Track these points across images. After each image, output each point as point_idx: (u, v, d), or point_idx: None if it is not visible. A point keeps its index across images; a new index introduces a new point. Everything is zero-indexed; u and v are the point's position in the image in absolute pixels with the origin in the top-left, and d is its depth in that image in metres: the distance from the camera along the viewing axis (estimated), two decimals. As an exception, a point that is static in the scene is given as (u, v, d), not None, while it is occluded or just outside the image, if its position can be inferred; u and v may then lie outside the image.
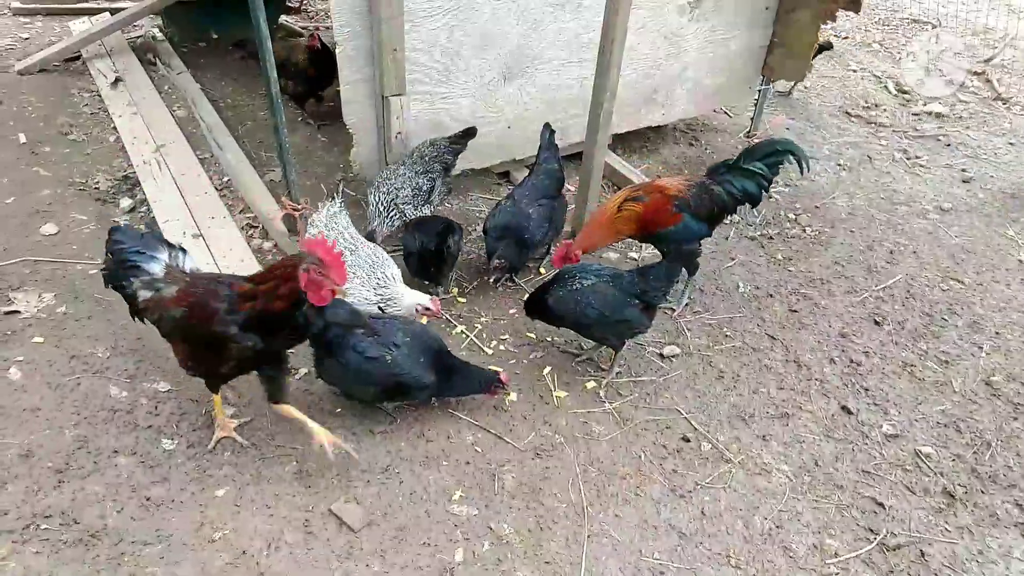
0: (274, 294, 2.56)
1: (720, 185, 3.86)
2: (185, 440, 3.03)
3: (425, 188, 4.13)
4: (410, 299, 3.48)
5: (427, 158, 4.18)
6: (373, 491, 2.91)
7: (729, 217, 4.05)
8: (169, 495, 2.81)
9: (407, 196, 4.07)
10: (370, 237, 3.96)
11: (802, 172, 3.98)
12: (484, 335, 3.79)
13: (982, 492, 3.18)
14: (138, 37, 6.54)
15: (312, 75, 5.39)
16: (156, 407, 3.16)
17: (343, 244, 3.55)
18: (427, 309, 3.48)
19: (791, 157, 3.91)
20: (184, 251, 2.97)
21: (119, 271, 2.85)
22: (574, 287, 3.39)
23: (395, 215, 4.06)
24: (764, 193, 3.92)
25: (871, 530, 2.99)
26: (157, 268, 2.82)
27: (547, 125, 4.27)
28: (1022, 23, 8.69)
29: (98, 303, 3.67)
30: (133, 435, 3.02)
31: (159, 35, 6.62)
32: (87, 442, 2.95)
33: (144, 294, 2.79)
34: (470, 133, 4.30)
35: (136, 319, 2.92)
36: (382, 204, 4.05)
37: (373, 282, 3.47)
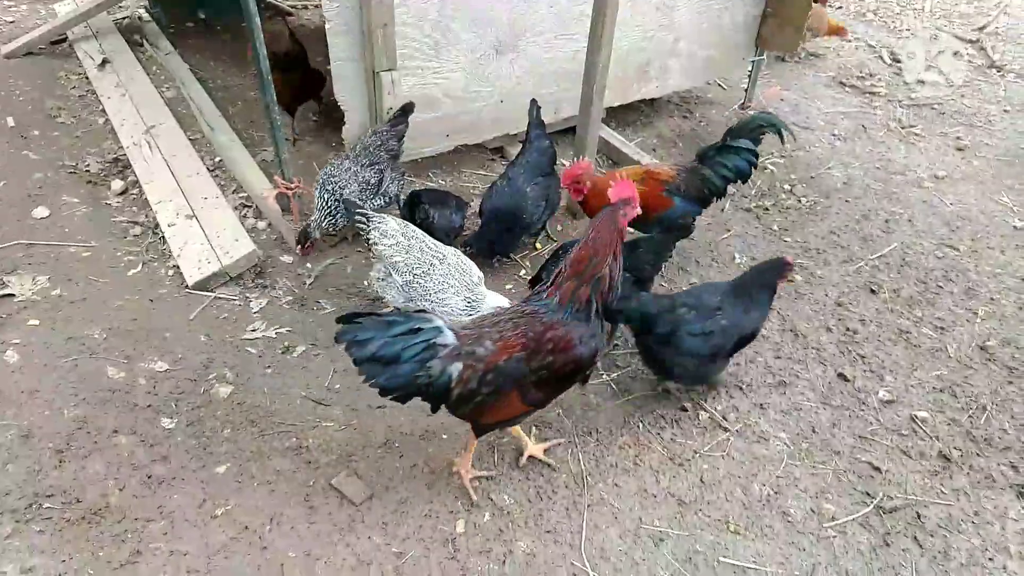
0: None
1: (711, 168, 3.92)
2: (184, 419, 3.03)
3: (373, 181, 3.97)
4: (492, 300, 3.39)
5: (371, 148, 3.99)
6: (374, 465, 2.93)
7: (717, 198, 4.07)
8: (170, 473, 2.82)
9: (352, 193, 3.87)
10: (305, 235, 3.87)
11: (782, 142, 4.13)
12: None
13: (977, 455, 3.21)
14: (124, 18, 6.45)
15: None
16: (154, 387, 3.16)
17: (428, 253, 3.37)
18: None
19: (775, 130, 3.98)
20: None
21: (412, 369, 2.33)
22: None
23: (339, 214, 3.85)
24: (753, 168, 3.97)
25: (868, 494, 3.01)
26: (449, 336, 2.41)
27: (534, 101, 4.23)
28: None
29: (92, 284, 3.66)
30: (132, 414, 3.02)
31: (145, 16, 6.53)
32: (86, 422, 2.95)
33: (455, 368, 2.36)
34: (407, 109, 4.09)
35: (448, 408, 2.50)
36: (327, 203, 3.85)
37: (464, 292, 3.35)
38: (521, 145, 4.30)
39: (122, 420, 3.00)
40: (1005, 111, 6.28)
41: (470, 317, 3.24)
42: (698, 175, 3.91)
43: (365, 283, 3.85)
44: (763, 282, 3.21)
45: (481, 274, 3.44)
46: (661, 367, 3.25)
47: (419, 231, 3.46)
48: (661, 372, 3.30)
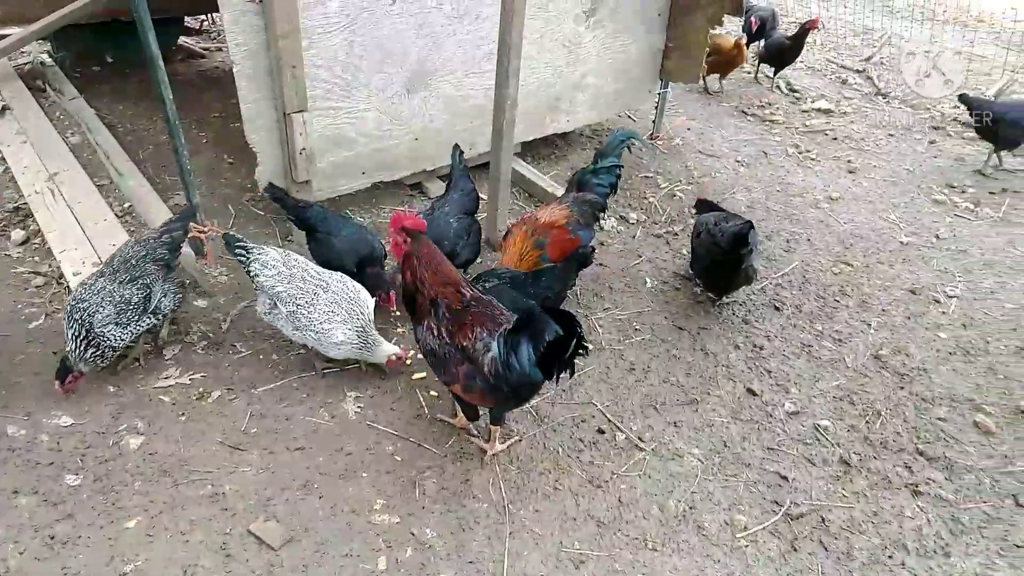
0: None
1: (594, 191, 4.22)
2: (91, 474, 2.93)
3: (137, 299, 3.25)
4: (387, 349, 3.44)
5: (134, 261, 3.33)
6: (293, 508, 2.89)
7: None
8: (75, 531, 2.71)
9: (108, 316, 3.17)
10: (64, 369, 3.16)
11: (641, 149, 5.06)
12: (402, 346, 3.81)
13: (875, 458, 3.41)
14: (26, 64, 6.27)
15: None
16: (58, 442, 3.05)
17: (311, 282, 3.36)
18: (398, 358, 3.47)
19: (633, 141, 4.53)
20: None
21: None
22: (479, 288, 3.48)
23: (95, 347, 3.15)
24: (619, 179, 4.43)
25: (776, 502, 3.16)
26: None
27: (456, 146, 4.32)
28: (897, 23, 9.34)
29: (-9, 340, 3.51)
30: (34, 473, 2.90)
31: (48, 60, 6.37)
32: (-16, 485, 2.82)
33: None
34: (186, 216, 3.64)
35: None
36: (79, 334, 3.12)
37: (355, 321, 3.34)
38: (444, 183, 4.37)
39: (23, 479, 2.87)
40: (890, 135, 6.77)
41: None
42: (587, 203, 4.13)
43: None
44: None
45: (371, 300, 3.48)
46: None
47: (302, 260, 3.48)
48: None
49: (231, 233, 3.54)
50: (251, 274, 3.39)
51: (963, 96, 6.10)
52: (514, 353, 2.65)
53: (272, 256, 3.39)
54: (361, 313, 3.38)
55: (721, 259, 3.96)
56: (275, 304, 3.39)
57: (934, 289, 4.61)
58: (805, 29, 7.32)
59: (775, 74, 7.82)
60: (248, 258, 3.37)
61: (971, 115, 6.02)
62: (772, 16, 7.74)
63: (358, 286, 3.48)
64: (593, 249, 3.41)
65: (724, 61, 7.07)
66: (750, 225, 3.82)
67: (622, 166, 4.44)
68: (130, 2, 3.40)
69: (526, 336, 2.64)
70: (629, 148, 4.61)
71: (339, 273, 3.51)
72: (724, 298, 4.34)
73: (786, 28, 8.29)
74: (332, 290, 3.37)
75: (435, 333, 2.90)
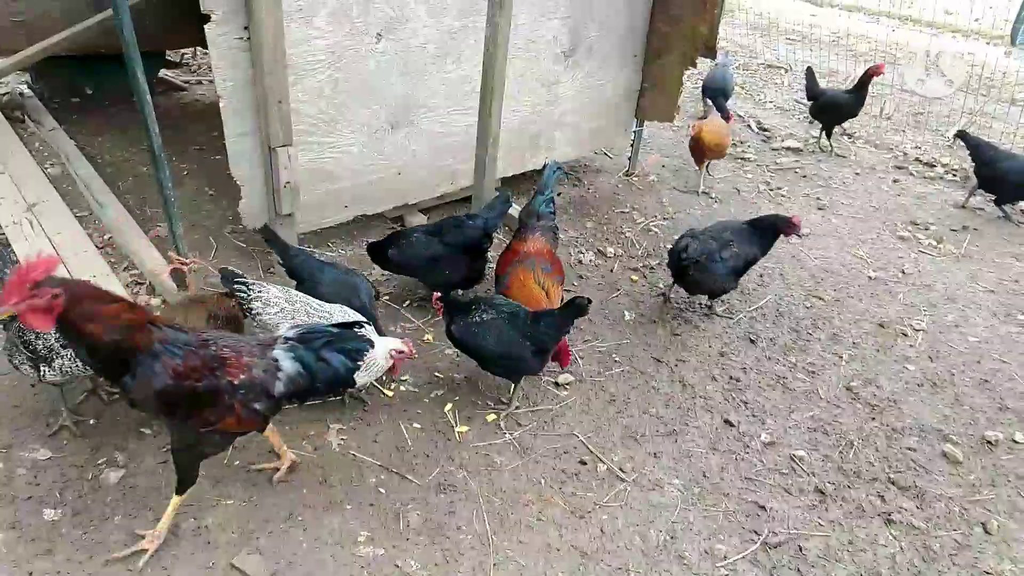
0: None
1: (549, 220, 4.39)
2: (71, 508, 2.89)
3: None
4: (383, 346, 3.29)
5: None
6: (276, 540, 2.88)
7: None
8: (54, 567, 2.66)
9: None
10: None
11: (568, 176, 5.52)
12: (383, 377, 3.82)
13: (848, 487, 3.50)
14: (4, 94, 6.26)
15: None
16: (36, 476, 3.00)
17: (314, 317, 3.32)
18: (400, 352, 3.31)
19: (562, 173, 4.93)
20: None
21: None
22: (474, 319, 3.52)
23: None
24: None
25: (755, 531, 3.22)
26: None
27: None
28: (861, 67, 9.73)
29: (-33, 372, 3.46)
30: (11, 508, 2.85)
31: (27, 91, 6.36)
32: (-41, 520, 2.77)
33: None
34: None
35: None
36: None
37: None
38: (426, 217, 4.47)
39: (0, 514, 2.82)
40: (856, 174, 7.01)
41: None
42: (550, 229, 4.33)
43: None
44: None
45: (371, 327, 3.45)
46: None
47: (302, 295, 3.46)
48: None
49: (230, 268, 3.51)
50: (252, 312, 3.35)
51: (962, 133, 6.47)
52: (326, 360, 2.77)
53: (273, 293, 3.37)
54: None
55: (674, 267, 4.41)
56: None
57: (901, 323, 4.76)
58: (869, 75, 6.95)
59: (828, 135, 7.41)
60: (249, 295, 3.35)
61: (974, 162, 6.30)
62: (724, 85, 7.47)
63: (359, 316, 3.46)
64: (590, 301, 3.48)
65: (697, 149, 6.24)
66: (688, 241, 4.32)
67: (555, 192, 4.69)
68: (119, 38, 3.45)
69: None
70: (566, 174, 4.95)
71: (338, 305, 3.49)
72: (711, 304, 4.71)
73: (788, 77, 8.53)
74: (335, 319, 3.34)
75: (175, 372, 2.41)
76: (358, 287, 3.80)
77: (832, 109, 7.30)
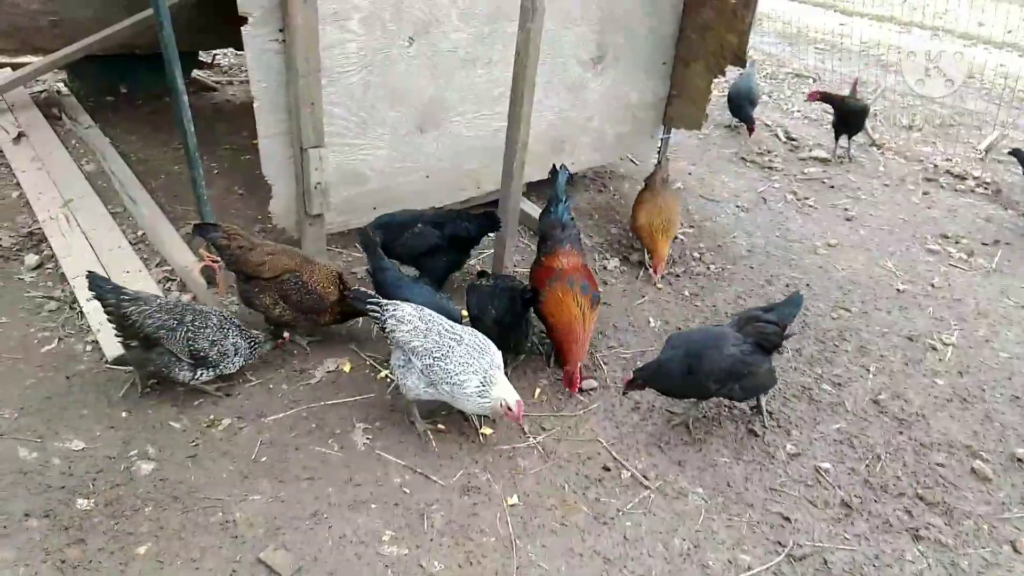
0: None
1: (573, 229, 4.40)
2: (102, 498, 2.94)
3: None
4: (503, 392, 3.23)
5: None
6: (301, 537, 2.91)
7: None
8: (86, 556, 2.72)
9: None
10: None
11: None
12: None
13: (875, 501, 3.46)
14: (42, 92, 6.40)
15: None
16: (70, 466, 3.07)
17: (446, 336, 3.30)
18: (509, 409, 3.22)
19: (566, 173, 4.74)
20: None
21: None
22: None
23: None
24: None
25: (779, 543, 3.19)
26: None
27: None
28: (891, 77, 9.64)
29: (1, 362, 3.54)
30: (45, 496, 2.92)
31: (64, 89, 6.50)
32: (-6, 507, 2.83)
33: None
34: None
35: None
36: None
37: (482, 374, 3.24)
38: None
39: (34, 503, 2.88)
40: (885, 185, 6.94)
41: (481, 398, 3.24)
42: (578, 240, 4.37)
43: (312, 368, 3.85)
44: None
45: (500, 354, 3.39)
46: None
47: (435, 314, 3.42)
48: None
49: (361, 290, 3.57)
50: (387, 330, 3.35)
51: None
52: None
53: (407, 311, 3.35)
54: (492, 364, 3.30)
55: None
56: (409, 359, 3.32)
57: (930, 336, 4.70)
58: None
59: (848, 137, 7.40)
60: (383, 314, 3.36)
61: None
62: (750, 94, 7.60)
63: (486, 341, 3.40)
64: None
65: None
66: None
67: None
68: (157, 36, 3.53)
69: None
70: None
71: (470, 329, 3.46)
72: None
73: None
74: (466, 343, 3.31)
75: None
76: (449, 311, 3.71)
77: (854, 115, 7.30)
